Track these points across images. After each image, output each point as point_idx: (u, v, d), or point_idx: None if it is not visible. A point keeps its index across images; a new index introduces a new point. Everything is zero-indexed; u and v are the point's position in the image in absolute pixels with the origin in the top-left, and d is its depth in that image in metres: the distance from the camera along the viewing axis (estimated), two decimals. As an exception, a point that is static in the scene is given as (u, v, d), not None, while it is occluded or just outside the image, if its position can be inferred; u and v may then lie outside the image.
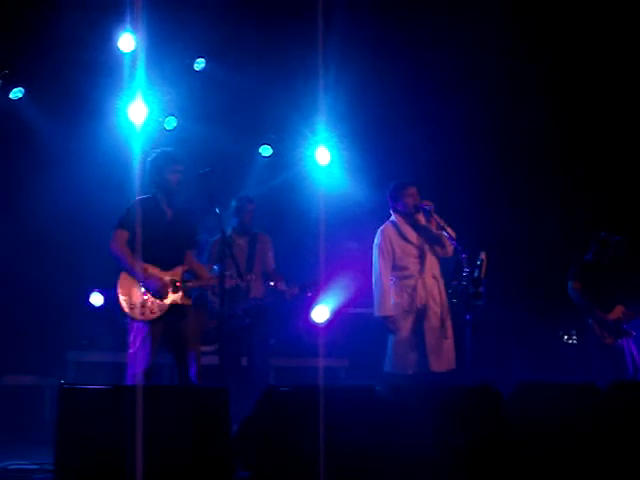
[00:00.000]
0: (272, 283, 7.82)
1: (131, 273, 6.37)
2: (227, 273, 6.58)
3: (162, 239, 6.43)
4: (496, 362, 8.50)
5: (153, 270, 6.41)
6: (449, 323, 7.38)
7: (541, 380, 6.58)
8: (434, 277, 7.46)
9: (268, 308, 8.08)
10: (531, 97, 9.32)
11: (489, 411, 5.35)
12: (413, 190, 7.47)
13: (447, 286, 7.37)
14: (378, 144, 9.53)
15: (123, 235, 6.42)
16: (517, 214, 9.55)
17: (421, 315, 7.34)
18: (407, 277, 7.43)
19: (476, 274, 6.90)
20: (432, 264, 7.47)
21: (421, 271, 7.42)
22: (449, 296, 7.33)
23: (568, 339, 8.55)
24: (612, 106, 9.49)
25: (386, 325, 7.37)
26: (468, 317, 7.00)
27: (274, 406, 4.97)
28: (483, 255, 6.96)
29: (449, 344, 7.34)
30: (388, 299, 7.35)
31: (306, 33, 8.27)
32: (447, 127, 9.48)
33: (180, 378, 6.46)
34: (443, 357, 7.29)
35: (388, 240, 7.46)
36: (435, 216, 7.30)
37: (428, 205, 7.31)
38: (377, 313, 7.41)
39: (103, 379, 7.81)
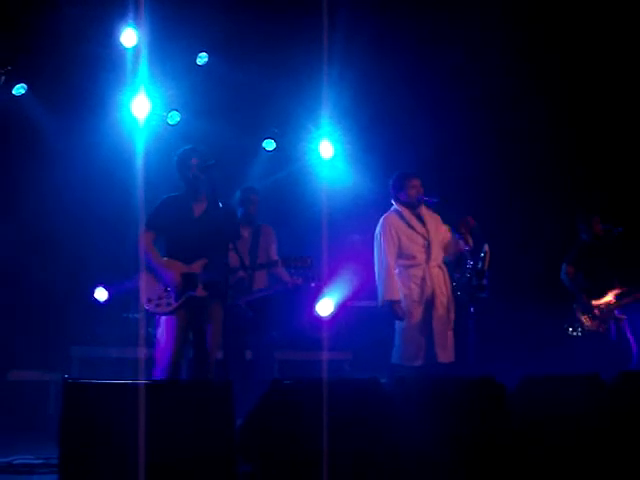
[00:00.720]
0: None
1: (153, 271, 6.53)
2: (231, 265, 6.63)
3: (186, 237, 6.52)
4: (500, 355, 8.50)
5: (174, 264, 6.52)
6: (453, 315, 7.36)
7: (546, 373, 6.58)
8: (439, 267, 7.41)
9: (271, 300, 8.08)
10: (534, 91, 9.31)
11: (492, 404, 5.34)
12: (417, 182, 7.42)
13: (451, 279, 7.37)
14: (381, 138, 9.52)
15: (149, 236, 6.59)
16: (521, 206, 9.54)
17: (429, 305, 7.27)
18: (414, 266, 7.34)
19: (479, 266, 6.90)
20: (437, 254, 7.41)
21: (427, 260, 7.35)
22: (453, 289, 7.32)
23: (573, 331, 8.54)
24: (615, 99, 9.46)
25: (393, 311, 7.25)
26: (472, 309, 7.01)
27: (278, 399, 4.97)
28: (486, 247, 6.97)
29: (451, 335, 7.33)
30: (395, 284, 7.26)
31: (310, 27, 8.26)
32: (450, 121, 9.47)
33: (196, 372, 6.50)
34: (448, 348, 7.26)
35: (393, 228, 7.38)
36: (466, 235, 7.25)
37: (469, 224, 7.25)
38: (384, 298, 7.27)
39: (107, 374, 7.84)
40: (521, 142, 9.62)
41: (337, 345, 8.85)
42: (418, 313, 7.28)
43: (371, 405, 5.09)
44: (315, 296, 8.91)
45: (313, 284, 7.96)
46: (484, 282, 6.96)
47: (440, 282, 7.36)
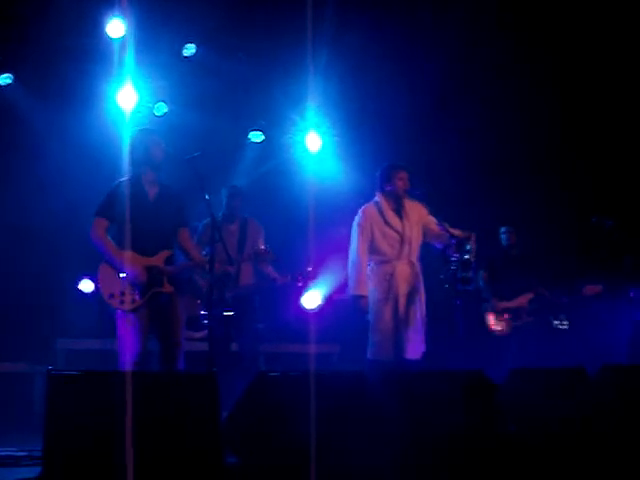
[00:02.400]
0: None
1: (111, 263, 6.25)
2: (217, 258, 6.51)
3: (144, 223, 6.23)
4: (488, 349, 8.53)
5: (134, 258, 6.23)
6: (424, 309, 7.29)
7: (533, 366, 6.60)
8: (411, 263, 7.34)
9: (257, 292, 8.07)
10: (528, 85, 9.30)
11: (482, 398, 5.35)
12: (405, 174, 7.37)
13: (438, 272, 7.33)
14: (369, 130, 9.50)
15: (101, 223, 6.29)
16: (510, 199, 9.54)
17: (395, 302, 7.22)
18: (384, 262, 7.30)
19: (465, 257, 6.89)
20: (411, 250, 7.34)
21: (398, 257, 7.30)
22: (441, 282, 7.27)
23: (559, 324, 8.58)
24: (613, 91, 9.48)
25: (357, 305, 7.22)
26: (458, 302, 7.00)
27: (264, 392, 4.96)
28: (473, 239, 6.96)
29: (420, 331, 7.26)
30: (363, 278, 7.23)
31: (297, 18, 8.21)
32: (441, 114, 9.46)
33: (164, 364, 6.34)
34: (417, 344, 7.20)
35: (369, 221, 7.34)
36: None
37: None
38: (352, 292, 7.25)
39: (93, 366, 7.81)
40: (514, 138, 9.60)
41: (324, 338, 8.84)
42: (385, 309, 7.24)
43: (357, 398, 5.08)
44: (302, 289, 8.90)
45: (300, 283, 7.89)
46: (470, 274, 6.95)
47: (410, 278, 7.29)
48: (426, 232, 7.42)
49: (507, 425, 5.32)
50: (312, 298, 8.96)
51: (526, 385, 5.56)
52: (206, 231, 7.46)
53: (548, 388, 5.54)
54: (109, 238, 6.29)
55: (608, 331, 8.79)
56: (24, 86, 8.49)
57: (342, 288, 8.72)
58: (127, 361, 6.17)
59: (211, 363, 5.97)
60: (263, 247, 7.71)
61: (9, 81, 8.37)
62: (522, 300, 8.65)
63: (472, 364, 6.16)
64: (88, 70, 8.44)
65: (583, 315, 8.90)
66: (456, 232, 7.17)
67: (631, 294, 8.33)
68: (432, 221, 7.37)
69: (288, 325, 9.09)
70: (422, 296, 7.33)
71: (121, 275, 6.21)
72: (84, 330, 8.56)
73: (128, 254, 6.22)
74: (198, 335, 7.68)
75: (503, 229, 8.96)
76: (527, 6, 8.96)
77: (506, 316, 8.65)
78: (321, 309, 8.95)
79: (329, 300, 8.89)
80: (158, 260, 6.32)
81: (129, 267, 6.21)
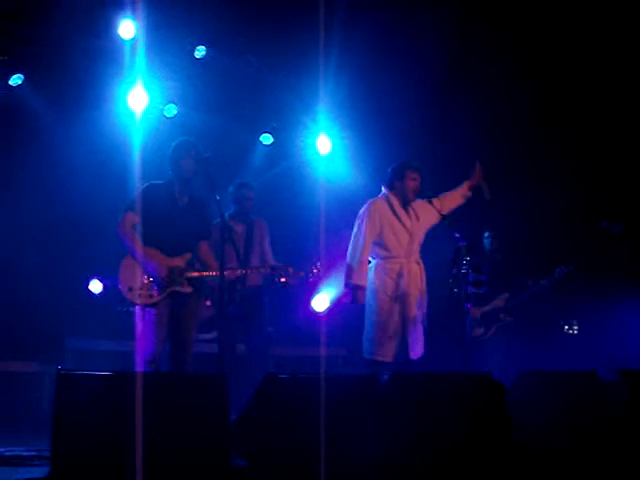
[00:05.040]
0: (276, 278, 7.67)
1: (134, 256, 6.35)
2: (229, 265, 6.55)
3: (170, 225, 6.38)
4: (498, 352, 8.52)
5: (157, 255, 6.36)
6: (425, 311, 7.20)
7: (543, 370, 6.58)
8: (417, 262, 7.26)
9: (265, 295, 8.05)
10: (533, 85, 9.27)
11: (490, 401, 5.32)
12: (417, 175, 7.27)
13: (448, 274, 7.27)
14: (379, 133, 9.49)
15: (131, 218, 6.38)
16: (517, 202, 9.50)
17: (403, 301, 7.11)
18: (391, 259, 7.18)
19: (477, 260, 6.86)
20: (416, 250, 7.27)
21: (407, 255, 7.20)
22: (450, 285, 7.20)
23: (569, 329, 8.55)
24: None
25: (355, 295, 7.11)
26: (468, 306, 6.95)
27: (273, 394, 4.95)
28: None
29: (422, 330, 7.16)
30: (364, 269, 7.12)
31: (308, 21, 8.21)
32: (450, 116, 9.44)
33: (174, 366, 6.38)
34: (420, 344, 7.11)
35: (378, 214, 7.21)
36: None
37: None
38: (353, 282, 7.11)
39: (102, 366, 7.77)
40: (523, 137, 9.55)
41: (331, 341, 8.82)
42: (391, 308, 7.12)
43: (368, 401, 5.06)
44: (311, 292, 8.89)
45: (311, 278, 7.74)
46: (482, 277, 6.91)
47: (417, 278, 7.20)
48: (443, 205, 7.31)
49: (516, 429, 5.30)
50: (322, 301, 8.95)
51: (535, 389, 5.54)
52: (216, 232, 7.45)
53: (558, 392, 5.52)
54: (135, 233, 6.36)
55: (620, 337, 8.75)
56: (35, 87, 8.48)
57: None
58: (143, 360, 6.25)
59: (221, 365, 5.95)
60: (270, 253, 7.72)
61: (19, 82, 8.36)
62: (498, 302, 8.61)
63: (482, 367, 6.15)
64: (99, 71, 8.44)
65: (595, 321, 8.87)
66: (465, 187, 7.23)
67: None
68: (441, 198, 7.34)
69: (297, 328, 9.08)
70: (426, 297, 7.25)
71: (142, 271, 6.32)
72: (93, 330, 8.57)
73: (152, 251, 6.35)
74: (208, 337, 7.68)
75: (486, 234, 8.92)
76: (527, 7, 8.94)
77: (481, 320, 8.60)
78: (329, 312, 8.93)
79: (337, 303, 8.86)
80: (181, 261, 6.42)
81: (152, 263, 6.32)
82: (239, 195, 8.12)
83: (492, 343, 8.57)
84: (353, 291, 7.15)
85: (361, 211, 7.29)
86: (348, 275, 7.17)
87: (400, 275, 7.15)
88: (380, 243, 7.22)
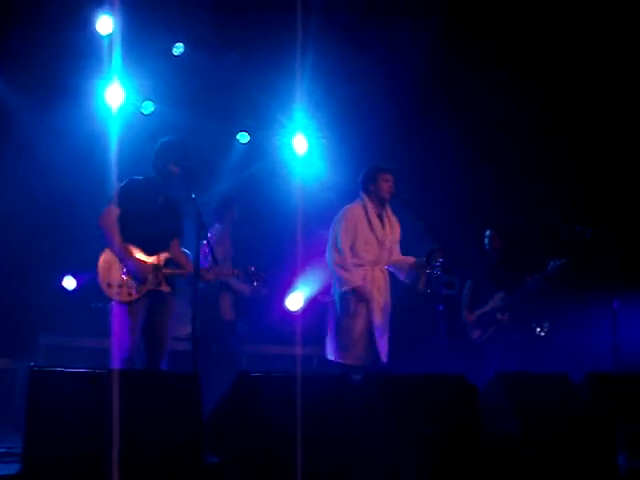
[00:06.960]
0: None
1: (113, 251, 6.32)
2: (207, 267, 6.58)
3: (150, 223, 6.37)
4: (471, 354, 8.54)
5: (136, 253, 6.35)
6: (388, 316, 7.24)
7: (516, 371, 6.62)
8: (382, 271, 7.29)
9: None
10: (514, 86, 9.28)
11: (464, 403, 5.36)
12: (390, 177, 7.29)
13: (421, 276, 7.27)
14: (356, 133, 9.49)
15: (114, 212, 6.34)
16: (494, 205, 9.55)
17: (371, 307, 7.13)
18: (359, 266, 7.19)
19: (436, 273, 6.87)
20: (385, 259, 7.30)
21: (374, 263, 7.23)
22: (426, 284, 7.20)
23: (540, 331, 8.58)
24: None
25: (361, 295, 7.09)
26: (441, 307, 6.97)
27: (246, 392, 4.97)
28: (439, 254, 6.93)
29: (387, 336, 7.20)
30: (354, 270, 7.14)
31: (285, 19, 8.21)
32: (429, 116, 9.46)
33: (149, 364, 6.38)
34: (385, 348, 7.14)
35: (354, 220, 7.23)
36: None
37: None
38: (351, 286, 7.10)
39: (75, 363, 7.77)
40: (503, 139, 9.56)
41: (306, 340, 8.82)
42: (355, 311, 7.13)
43: (341, 401, 5.09)
44: (285, 290, 8.90)
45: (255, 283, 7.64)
46: (454, 279, 6.93)
47: (380, 284, 7.22)
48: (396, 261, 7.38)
49: (489, 429, 5.34)
50: (295, 300, 8.96)
51: (509, 389, 5.58)
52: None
53: (532, 392, 5.56)
54: (117, 227, 6.33)
55: (591, 340, 8.82)
56: (10, 81, 8.44)
57: (326, 290, 8.73)
58: (119, 356, 6.23)
59: (194, 363, 5.95)
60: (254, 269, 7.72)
61: (-4, 76, 8.33)
62: (494, 302, 8.61)
63: (455, 369, 6.16)
64: (76, 66, 8.40)
65: (565, 322, 8.93)
66: (410, 261, 7.21)
67: (614, 305, 8.32)
68: (397, 250, 7.37)
69: (271, 326, 9.08)
70: (389, 304, 7.26)
71: (121, 267, 6.29)
72: (66, 327, 8.53)
73: (132, 248, 6.34)
74: (181, 335, 7.66)
75: (487, 232, 8.95)
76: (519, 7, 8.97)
77: (478, 323, 8.63)
78: (303, 311, 8.94)
79: (312, 302, 8.88)
80: (159, 260, 6.41)
81: (131, 260, 6.30)
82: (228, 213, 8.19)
83: (490, 345, 8.57)
84: (360, 292, 7.12)
85: (337, 217, 7.32)
86: (341, 283, 7.16)
87: (364, 281, 7.16)
88: (352, 250, 7.23)
